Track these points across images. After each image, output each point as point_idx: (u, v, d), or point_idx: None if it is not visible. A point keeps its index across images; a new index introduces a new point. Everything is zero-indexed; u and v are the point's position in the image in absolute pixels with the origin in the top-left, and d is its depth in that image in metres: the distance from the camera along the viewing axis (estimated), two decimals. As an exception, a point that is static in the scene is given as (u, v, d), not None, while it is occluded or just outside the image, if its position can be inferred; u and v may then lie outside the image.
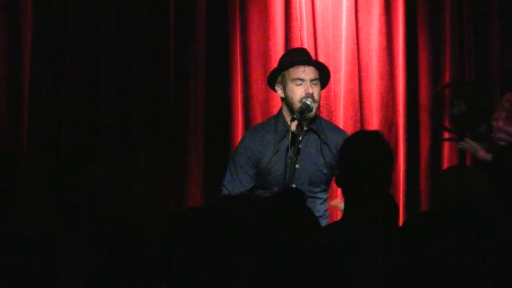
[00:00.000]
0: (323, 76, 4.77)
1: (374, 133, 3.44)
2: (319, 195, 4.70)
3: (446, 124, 5.00)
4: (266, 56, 5.95)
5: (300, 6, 5.95)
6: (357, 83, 5.99)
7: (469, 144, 4.93)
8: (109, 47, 5.93)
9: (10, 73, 5.89)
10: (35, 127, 5.89)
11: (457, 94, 4.89)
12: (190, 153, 5.97)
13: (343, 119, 5.96)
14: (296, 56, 4.74)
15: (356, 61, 5.98)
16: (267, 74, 5.14)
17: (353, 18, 5.98)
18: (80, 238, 3.12)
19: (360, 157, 3.25)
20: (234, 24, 5.98)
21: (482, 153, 4.94)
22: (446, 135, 5.75)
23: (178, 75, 5.97)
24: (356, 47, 5.98)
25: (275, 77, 4.77)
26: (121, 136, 5.93)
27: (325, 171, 4.67)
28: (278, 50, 5.93)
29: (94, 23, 5.94)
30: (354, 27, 5.98)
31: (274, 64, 5.85)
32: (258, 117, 5.85)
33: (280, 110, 4.80)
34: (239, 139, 5.37)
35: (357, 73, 5.99)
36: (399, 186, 6.04)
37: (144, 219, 5.77)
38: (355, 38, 5.98)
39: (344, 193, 3.31)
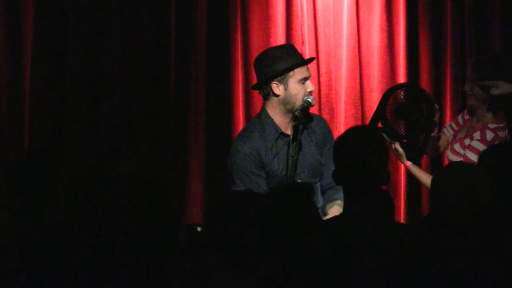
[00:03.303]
0: None
1: (367, 127, 3.45)
2: (318, 185, 4.70)
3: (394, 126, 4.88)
4: (267, 54, 5.95)
5: (301, 4, 5.96)
6: (358, 80, 5.99)
7: (397, 150, 4.90)
8: (109, 47, 5.94)
9: (10, 73, 5.89)
10: (35, 127, 5.88)
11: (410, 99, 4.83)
12: (191, 151, 5.97)
13: (344, 117, 5.97)
14: (294, 55, 4.69)
15: (357, 59, 5.99)
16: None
17: (354, 15, 5.98)
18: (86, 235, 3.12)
19: (355, 152, 3.26)
20: (235, 22, 5.99)
21: (407, 163, 4.95)
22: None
23: (179, 73, 5.97)
24: (357, 44, 5.99)
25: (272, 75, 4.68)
26: (122, 136, 5.93)
27: (319, 158, 4.67)
28: (279, 48, 5.93)
29: (94, 23, 5.94)
30: (355, 24, 5.98)
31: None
32: (259, 116, 5.85)
33: (265, 112, 4.66)
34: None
35: (358, 70, 5.99)
36: (400, 186, 6.04)
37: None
38: (356, 36, 5.98)
39: (343, 189, 3.32)
